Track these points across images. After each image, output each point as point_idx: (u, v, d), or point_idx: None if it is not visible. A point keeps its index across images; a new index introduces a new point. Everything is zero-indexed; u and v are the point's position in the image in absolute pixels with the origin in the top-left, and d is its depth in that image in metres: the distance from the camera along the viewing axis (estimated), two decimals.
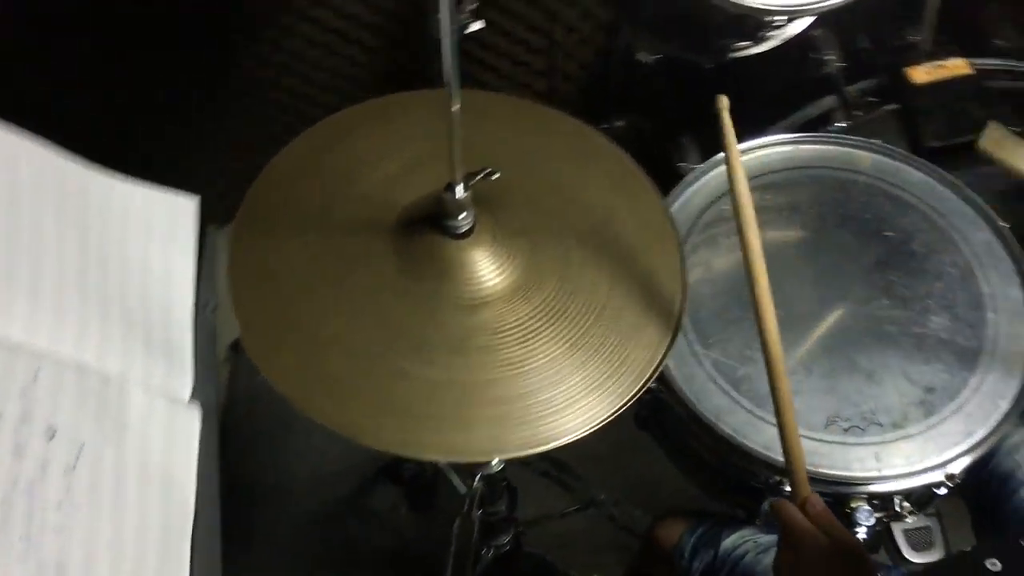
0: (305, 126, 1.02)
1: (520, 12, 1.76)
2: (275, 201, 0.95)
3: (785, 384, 0.92)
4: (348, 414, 0.84)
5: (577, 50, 1.91)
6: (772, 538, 1.14)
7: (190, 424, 0.84)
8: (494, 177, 0.88)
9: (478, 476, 1.27)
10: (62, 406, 0.76)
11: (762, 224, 1.20)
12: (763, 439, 1.06)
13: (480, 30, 1.43)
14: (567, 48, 1.90)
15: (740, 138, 1.29)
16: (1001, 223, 1.18)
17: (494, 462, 1.25)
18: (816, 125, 1.38)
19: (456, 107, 0.81)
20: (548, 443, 0.84)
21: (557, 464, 1.50)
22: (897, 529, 1.17)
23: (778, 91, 1.45)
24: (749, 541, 1.14)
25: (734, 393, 1.09)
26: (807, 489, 0.87)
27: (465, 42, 1.41)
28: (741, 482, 1.12)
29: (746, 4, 1.20)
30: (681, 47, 1.46)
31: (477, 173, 0.87)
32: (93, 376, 0.80)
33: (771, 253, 1.19)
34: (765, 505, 1.11)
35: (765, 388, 1.08)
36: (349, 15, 1.72)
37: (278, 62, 1.77)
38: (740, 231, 0.97)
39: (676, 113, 1.63)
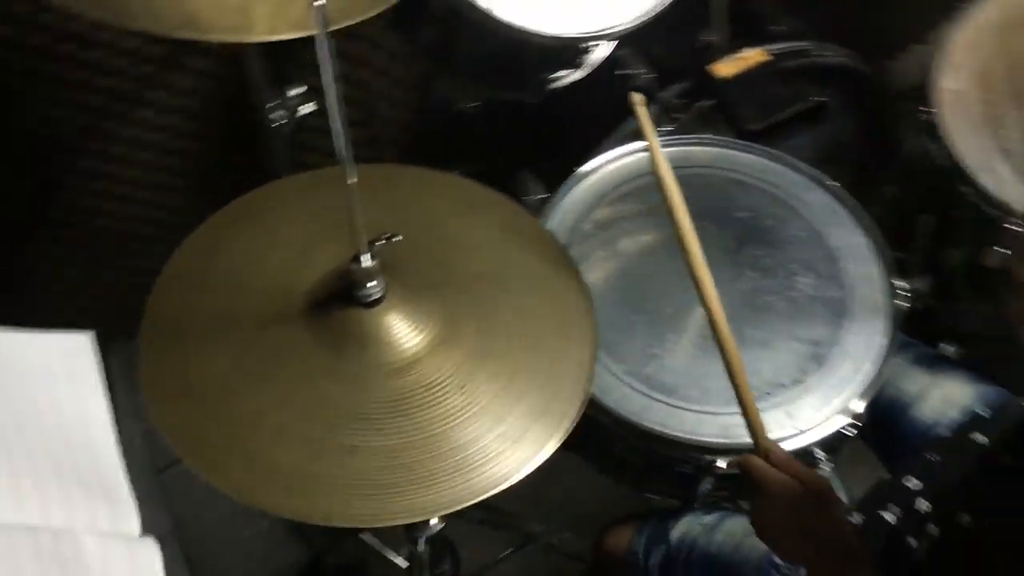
0: (141, 244, 1.01)
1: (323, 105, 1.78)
2: (175, 313, 0.94)
3: (731, 345, 0.99)
4: (308, 499, 0.84)
5: (397, 115, 1.95)
6: (716, 515, 1.20)
7: (150, 558, 0.81)
8: (396, 239, 0.90)
9: (422, 540, 1.27)
10: (26, 570, 0.72)
11: (623, 234, 1.30)
12: (686, 426, 1.12)
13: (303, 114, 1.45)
14: (386, 116, 1.95)
15: (577, 162, 1.38)
16: (830, 182, 1.31)
17: (434, 521, 1.26)
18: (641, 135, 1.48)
19: (353, 180, 0.83)
20: (509, 480, 0.87)
21: (485, 507, 1.51)
22: None
23: (599, 112, 1.54)
24: (696, 525, 1.20)
25: (648, 391, 1.15)
26: (767, 440, 0.94)
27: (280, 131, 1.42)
28: (673, 473, 1.18)
29: (561, 35, 1.28)
30: (502, 87, 1.53)
31: (380, 239, 0.90)
32: (44, 534, 0.76)
33: (636, 258, 1.28)
34: (704, 486, 1.17)
35: (674, 379, 1.16)
36: (164, 127, 1.69)
37: (97, 190, 1.72)
38: (671, 213, 1.07)
39: (509, 151, 1.70)
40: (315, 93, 1.77)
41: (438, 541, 1.29)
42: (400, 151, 1.99)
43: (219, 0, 0.81)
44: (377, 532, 1.45)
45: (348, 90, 1.85)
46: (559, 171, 1.36)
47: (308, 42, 1.68)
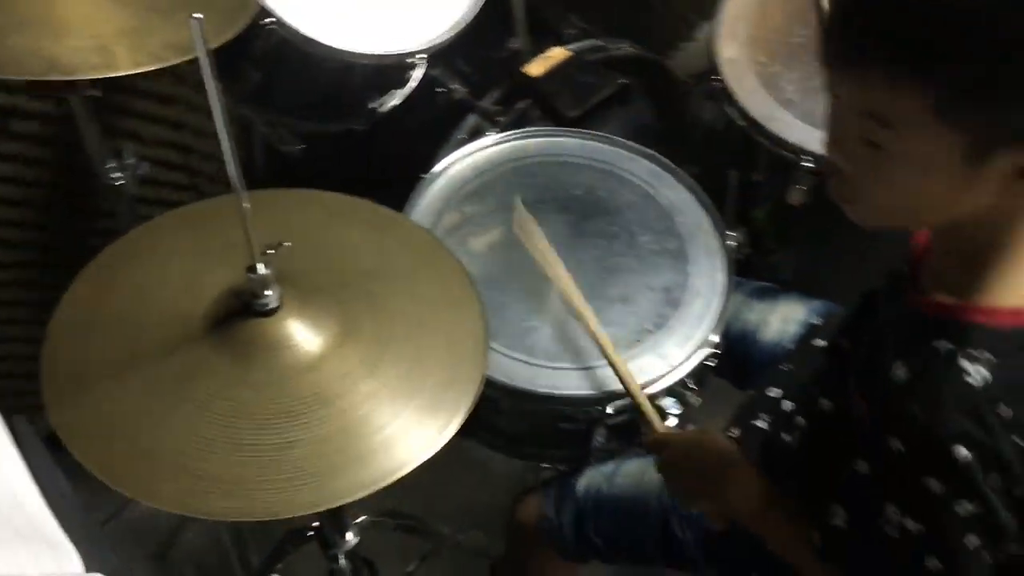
0: None
1: (157, 157, 1.78)
2: (74, 358, 0.95)
3: (616, 359, 1.18)
4: (248, 500, 0.87)
5: (221, 174, 1.97)
6: (612, 464, 1.30)
7: None
8: (286, 245, 0.95)
9: (340, 555, 1.30)
10: None
11: (471, 235, 1.39)
12: (573, 383, 1.22)
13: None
14: (211, 174, 1.96)
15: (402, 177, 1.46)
16: (648, 151, 1.45)
17: (349, 535, 1.29)
18: (473, 139, 1.58)
19: (247, 204, 0.88)
20: (435, 446, 0.93)
21: (396, 514, 1.54)
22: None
23: (426, 130, 1.63)
24: (597, 475, 1.29)
25: (532, 360, 1.24)
26: (660, 423, 1.13)
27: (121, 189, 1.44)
28: (568, 434, 1.27)
29: (385, 53, 1.37)
30: (331, 120, 1.59)
31: (271, 247, 0.94)
32: None
33: (488, 254, 1.37)
34: (597, 439, 1.26)
35: (552, 345, 1.25)
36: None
37: None
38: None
39: (343, 183, 1.75)
40: (148, 150, 1.78)
41: (356, 557, 1.32)
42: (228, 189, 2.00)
43: (78, 43, 0.84)
44: (294, 561, 1.45)
45: (166, 154, 1.86)
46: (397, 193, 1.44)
47: (137, 96, 1.69)
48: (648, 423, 1.17)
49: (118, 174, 1.35)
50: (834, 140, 0.83)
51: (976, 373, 0.79)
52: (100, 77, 0.84)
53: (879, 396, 0.87)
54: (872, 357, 0.90)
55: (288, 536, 1.42)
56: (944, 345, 0.81)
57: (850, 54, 0.77)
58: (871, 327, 0.97)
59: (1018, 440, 0.79)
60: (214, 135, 2.00)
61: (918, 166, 0.78)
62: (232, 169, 0.86)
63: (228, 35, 0.94)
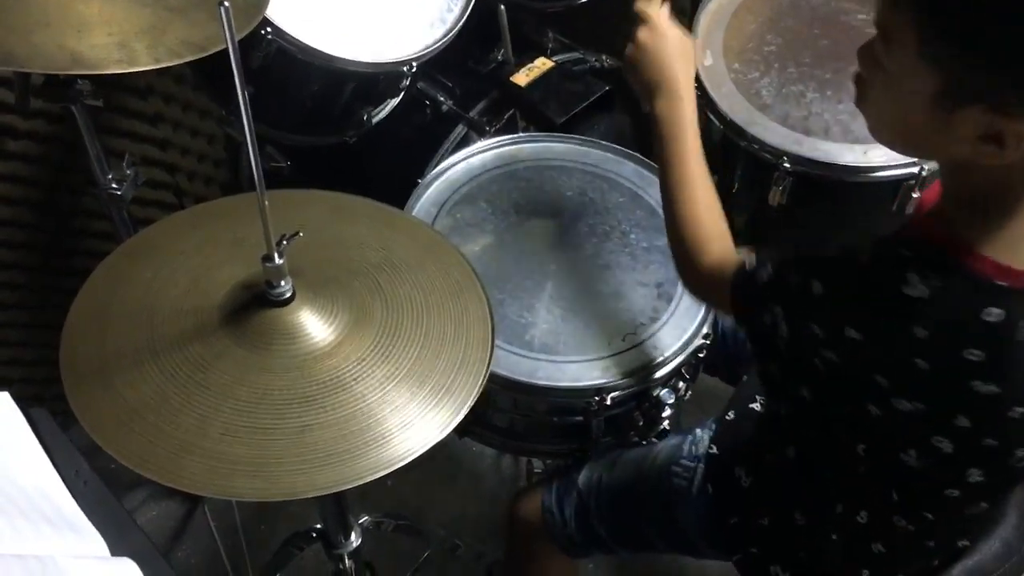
0: None
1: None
2: (93, 352, 0.96)
3: None
4: (270, 480, 0.89)
5: (207, 192, 2.00)
6: (611, 455, 1.33)
7: (131, 572, 0.83)
8: (300, 235, 0.98)
9: (345, 555, 1.31)
10: None
11: (464, 241, 1.42)
12: (569, 376, 1.25)
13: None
14: (197, 193, 1.98)
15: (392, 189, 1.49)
16: (633, 152, 1.50)
17: (353, 536, 1.31)
18: (461, 150, 1.62)
19: (265, 201, 0.90)
20: (450, 425, 0.95)
21: (395, 515, 1.55)
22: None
23: (416, 139, 1.67)
24: (596, 468, 1.32)
25: (531, 354, 1.27)
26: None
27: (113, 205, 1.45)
28: (566, 425, 1.30)
29: (381, 61, 1.40)
30: (323, 133, 1.62)
31: (285, 238, 0.97)
32: (31, 560, 0.77)
33: (482, 256, 1.40)
34: (596, 431, 1.29)
35: (551, 339, 1.29)
36: None
37: None
38: None
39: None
40: (152, 164, 1.81)
41: (358, 560, 1.33)
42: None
43: (99, 40, 0.87)
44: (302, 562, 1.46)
45: (151, 150, 1.88)
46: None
47: (131, 115, 1.71)
48: None
49: (116, 184, 1.37)
50: (862, 48, 0.88)
51: (915, 288, 0.82)
52: (121, 72, 0.87)
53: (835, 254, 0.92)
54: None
55: (292, 538, 1.43)
56: (904, 253, 0.85)
57: None
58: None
59: (920, 360, 0.83)
60: (199, 152, 2.02)
61: (901, 92, 0.83)
62: (254, 161, 0.88)
63: (242, 33, 0.97)
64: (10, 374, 1.79)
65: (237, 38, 0.79)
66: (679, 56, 1.19)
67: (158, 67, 0.89)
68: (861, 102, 0.91)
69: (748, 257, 1.05)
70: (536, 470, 1.67)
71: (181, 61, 0.91)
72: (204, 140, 1.92)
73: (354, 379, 0.96)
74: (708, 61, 1.67)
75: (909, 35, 0.79)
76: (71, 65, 0.84)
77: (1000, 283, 0.82)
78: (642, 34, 1.19)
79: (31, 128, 1.61)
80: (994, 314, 0.81)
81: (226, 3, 0.76)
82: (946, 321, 0.82)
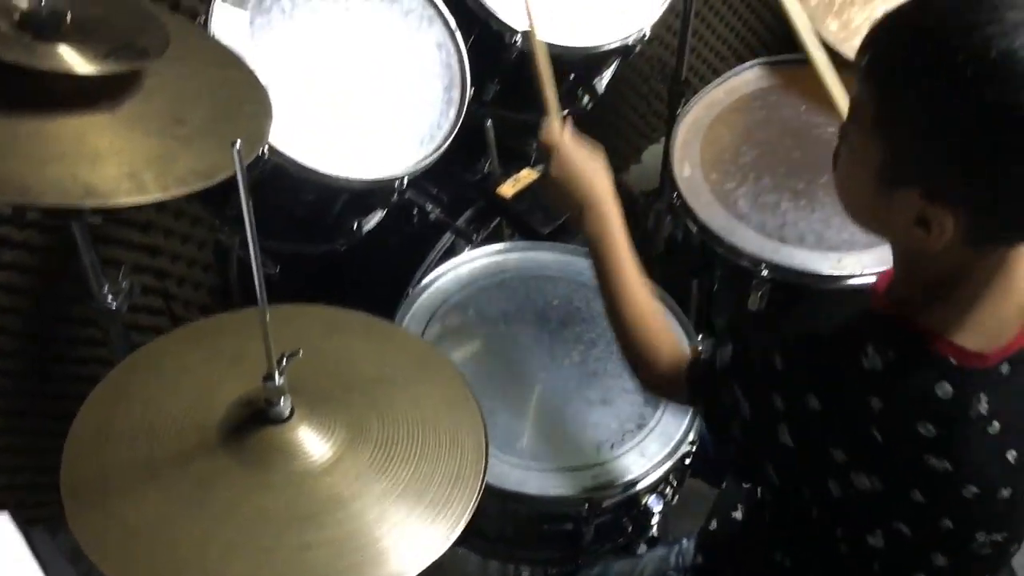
0: None
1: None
2: (93, 470, 0.97)
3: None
4: None
5: (195, 297, 2.02)
6: (600, 566, 1.34)
7: None
8: (300, 354, 1.00)
9: None
10: None
11: (453, 348, 1.45)
12: (560, 484, 1.27)
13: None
14: (186, 298, 2.01)
15: (380, 296, 1.53)
16: None
17: None
18: (449, 258, 1.66)
19: (267, 316, 0.93)
20: (450, 538, 0.97)
21: None
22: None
23: (405, 247, 1.71)
24: None
25: (524, 462, 1.29)
26: (558, 115, 1.23)
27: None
28: (555, 533, 1.31)
29: (376, 179, 1.45)
30: (314, 242, 1.66)
31: (286, 356, 0.99)
32: None
33: (471, 364, 1.43)
34: (587, 537, 1.30)
35: (541, 446, 1.31)
36: None
37: None
38: None
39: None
40: (142, 271, 1.83)
41: None
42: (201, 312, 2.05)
43: (111, 171, 0.91)
44: None
45: (141, 257, 1.90)
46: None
47: (124, 223, 1.75)
48: (548, 119, 1.24)
49: (111, 298, 1.39)
50: (848, 117, 0.92)
51: (872, 360, 0.87)
52: (133, 202, 0.90)
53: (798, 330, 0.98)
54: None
55: None
56: (863, 327, 0.91)
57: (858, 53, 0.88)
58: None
59: (875, 431, 0.87)
60: (189, 258, 2.04)
61: (855, 163, 0.89)
62: (258, 281, 0.91)
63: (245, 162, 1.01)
64: None
65: (248, 161, 0.83)
66: (592, 173, 1.21)
67: (167, 197, 0.93)
68: (833, 171, 0.95)
69: (704, 344, 1.09)
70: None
71: (189, 190, 0.95)
72: (194, 246, 1.95)
73: (352, 496, 0.97)
74: (687, 172, 1.74)
75: (868, 108, 0.85)
76: (84, 196, 0.88)
77: (952, 361, 0.86)
78: (552, 167, 1.22)
79: (25, 238, 1.64)
80: (946, 390, 0.86)
81: (239, 142, 0.80)
82: (900, 394, 0.87)
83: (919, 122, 0.81)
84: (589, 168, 1.21)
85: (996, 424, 0.87)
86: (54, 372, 1.78)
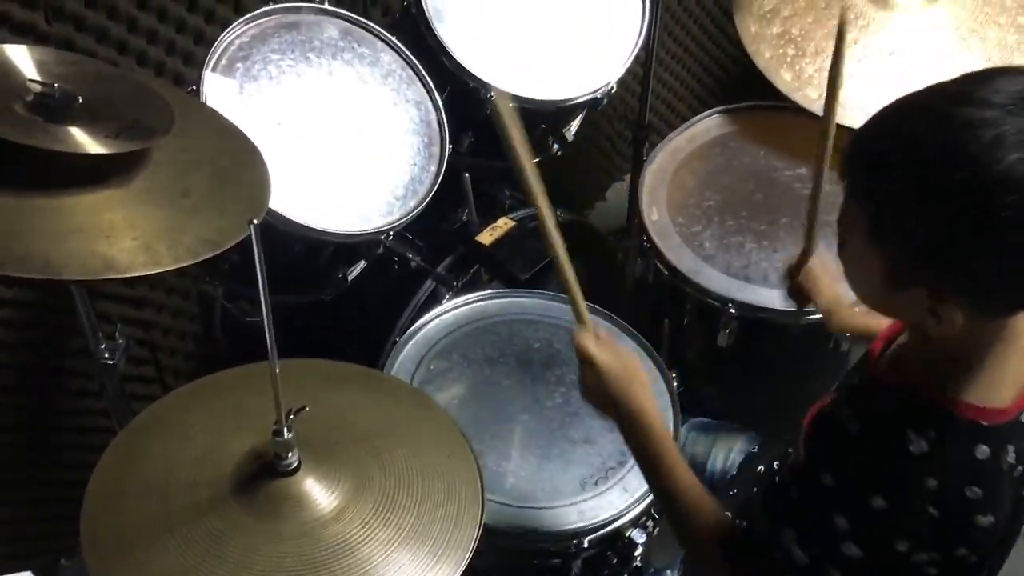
0: None
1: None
2: (112, 526, 1.03)
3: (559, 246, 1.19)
4: None
5: (179, 345, 2.06)
6: None
7: None
8: (306, 410, 1.06)
9: None
10: None
11: (437, 391, 1.51)
12: (549, 521, 1.34)
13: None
14: (170, 347, 2.05)
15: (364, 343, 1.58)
16: (593, 306, 1.63)
17: None
18: (430, 304, 1.73)
19: (277, 370, 1.00)
20: None
21: None
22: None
23: (389, 294, 1.78)
24: None
25: (512, 502, 1.35)
26: (590, 324, 1.18)
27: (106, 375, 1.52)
28: (546, 568, 1.38)
29: (362, 232, 1.52)
30: (298, 292, 1.72)
31: (293, 412, 1.06)
32: None
33: (456, 408, 1.50)
34: (574, 572, 1.37)
35: (528, 486, 1.38)
36: None
37: None
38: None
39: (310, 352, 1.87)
40: (129, 323, 1.87)
41: None
42: (188, 378, 2.09)
43: (126, 244, 0.97)
44: None
45: (127, 310, 1.95)
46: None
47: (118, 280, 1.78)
48: (580, 328, 1.18)
49: (108, 354, 1.44)
50: (839, 222, 0.98)
51: (917, 444, 0.92)
52: (149, 273, 0.96)
53: (825, 435, 1.01)
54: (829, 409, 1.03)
55: None
56: (893, 413, 0.95)
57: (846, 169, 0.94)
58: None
59: (931, 509, 0.92)
60: (174, 309, 2.07)
61: (859, 268, 0.96)
62: (269, 339, 0.98)
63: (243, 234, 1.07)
64: None
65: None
66: (628, 382, 1.14)
67: (179, 266, 0.99)
68: (839, 256, 1.00)
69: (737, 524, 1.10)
70: None
71: (200, 259, 1.01)
72: (179, 297, 2.00)
73: (360, 542, 1.04)
74: (655, 216, 1.83)
75: (862, 223, 0.91)
76: (104, 270, 0.94)
77: (983, 423, 0.93)
78: (587, 376, 1.16)
79: (16, 297, 1.67)
80: (983, 451, 0.92)
81: (255, 220, 0.87)
82: (950, 468, 0.92)
83: (915, 237, 0.87)
84: (623, 376, 1.14)
85: (1020, 469, 0.95)
86: (51, 422, 1.82)
